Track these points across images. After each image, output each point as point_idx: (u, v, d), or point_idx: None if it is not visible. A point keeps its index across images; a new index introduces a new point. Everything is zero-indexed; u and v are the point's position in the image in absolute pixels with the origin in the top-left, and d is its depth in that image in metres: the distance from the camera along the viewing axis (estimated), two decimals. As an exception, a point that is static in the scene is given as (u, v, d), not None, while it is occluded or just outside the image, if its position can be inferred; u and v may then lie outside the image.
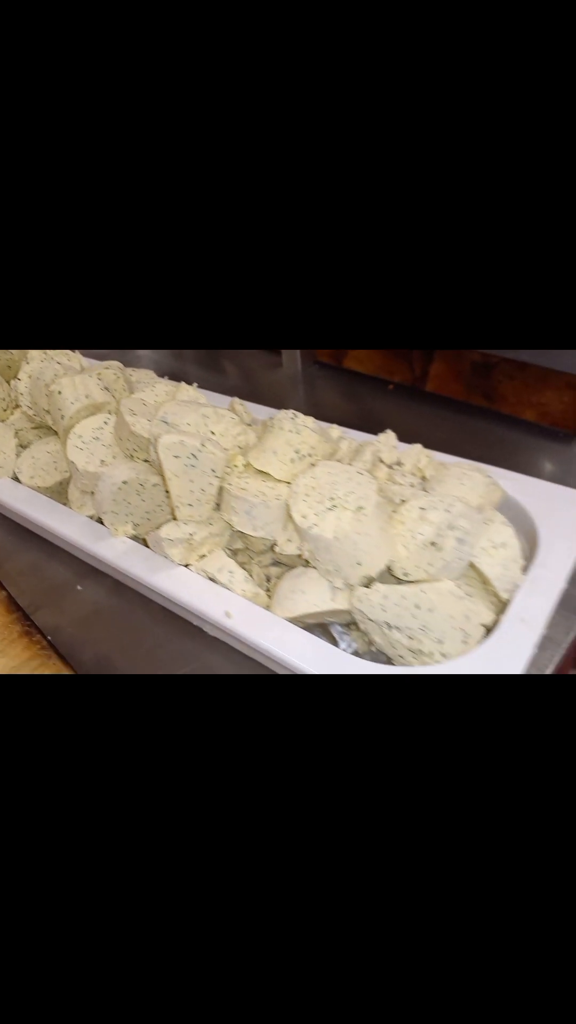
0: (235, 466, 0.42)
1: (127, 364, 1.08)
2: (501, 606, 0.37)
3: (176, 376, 1.01)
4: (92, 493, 0.49)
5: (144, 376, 0.60)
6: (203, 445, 0.39)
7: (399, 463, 0.47)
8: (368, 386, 0.92)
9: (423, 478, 0.46)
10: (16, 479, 0.55)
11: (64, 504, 0.51)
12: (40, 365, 0.54)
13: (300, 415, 0.46)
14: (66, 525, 0.48)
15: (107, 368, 0.54)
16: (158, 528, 0.47)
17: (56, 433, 0.57)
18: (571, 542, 0.40)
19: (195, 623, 0.49)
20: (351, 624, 0.40)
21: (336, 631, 0.40)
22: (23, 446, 0.57)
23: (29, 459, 0.54)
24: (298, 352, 0.93)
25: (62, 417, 0.49)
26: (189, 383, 0.61)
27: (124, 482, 0.43)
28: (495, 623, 0.35)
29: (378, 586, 0.35)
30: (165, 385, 0.55)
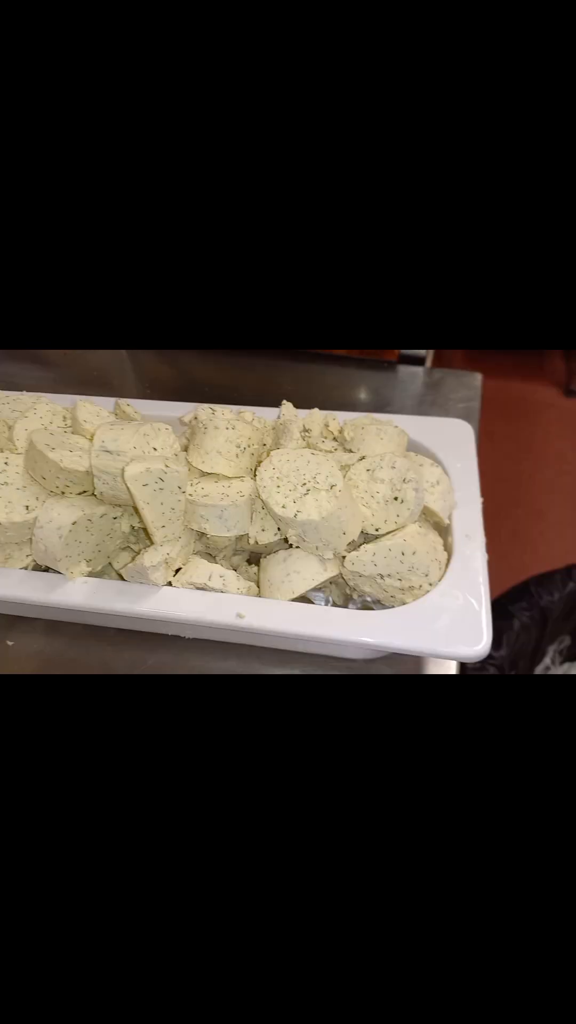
0: (188, 471, 0.42)
1: None
2: (443, 528, 0.46)
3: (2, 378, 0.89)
4: (19, 544, 0.44)
5: (3, 397, 0.53)
6: (167, 466, 0.39)
7: (306, 430, 0.51)
8: (188, 352, 0.93)
9: (334, 438, 0.52)
10: None
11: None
12: None
13: (221, 408, 0.47)
14: (3, 586, 0.43)
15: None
16: (110, 557, 0.46)
17: None
18: (468, 462, 0.50)
19: (171, 632, 0.50)
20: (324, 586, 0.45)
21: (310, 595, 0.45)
22: None
23: None
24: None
25: (-45, 470, 0.42)
26: (8, 383, 0.56)
27: (74, 523, 0.41)
28: (448, 543, 0.44)
29: (366, 547, 0.41)
30: (46, 405, 0.50)
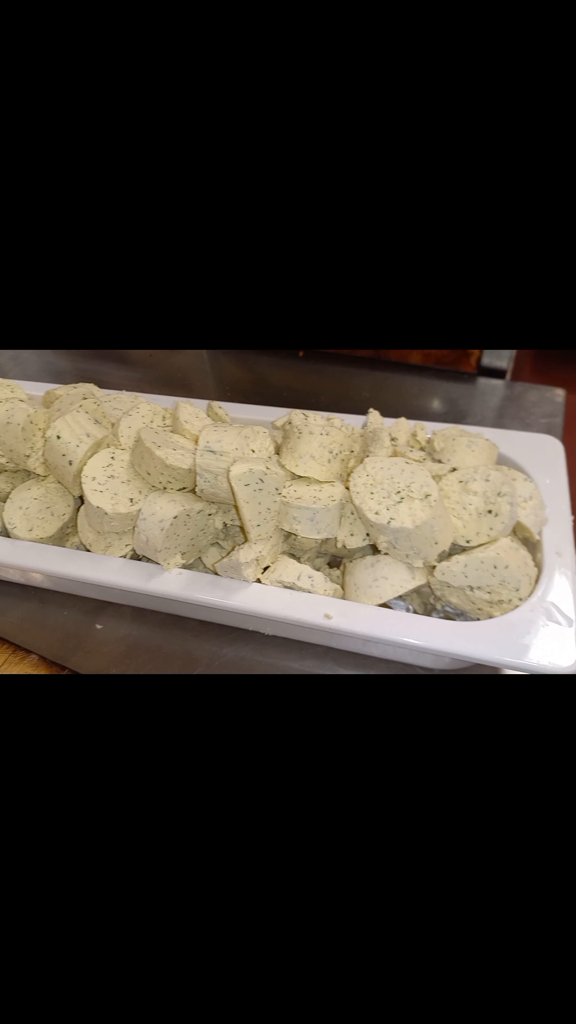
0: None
1: (8, 367, 0.98)
2: (533, 544, 0.45)
3: (82, 374, 0.94)
4: (119, 534, 0.47)
5: (105, 396, 0.56)
6: (267, 468, 0.40)
7: (393, 438, 0.52)
8: (268, 356, 0.95)
9: (421, 448, 0.52)
10: (5, 534, 0.50)
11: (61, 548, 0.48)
12: (3, 407, 0.49)
13: (313, 414, 0.49)
14: (106, 573, 0.46)
15: (85, 398, 0.50)
16: (201, 551, 0.48)
17: (33, 475, 0.52)
18: (558, 478, 0.50)
19: (251, 627, 0.52)
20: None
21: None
22: (2, 500, 0.51)
23: (17, 511, 0.50)
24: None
25: (69, 463, 0.46)
26: (96, 381, 0.59)
27: (175, 517, 0.43)
28: (537, 559, 0.44)
29: (457, 558, 0.41)
30: (147, 404, 0.53)
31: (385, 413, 0.56)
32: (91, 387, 0.58)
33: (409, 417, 0.57)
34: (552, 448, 0.52)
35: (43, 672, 0.50)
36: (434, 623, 0.40)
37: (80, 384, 0.59)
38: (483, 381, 0.85)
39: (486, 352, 0.86)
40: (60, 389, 0.58)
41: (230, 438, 0.42)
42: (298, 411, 0.49)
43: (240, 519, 0.42)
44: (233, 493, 0.40)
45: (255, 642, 0.52)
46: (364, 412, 0.60)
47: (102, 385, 0.62)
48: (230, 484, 0.40)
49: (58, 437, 0.46)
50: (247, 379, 0.91)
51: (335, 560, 0.50)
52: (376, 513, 0.41)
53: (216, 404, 0.57)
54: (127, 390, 0.62)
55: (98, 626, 0.56)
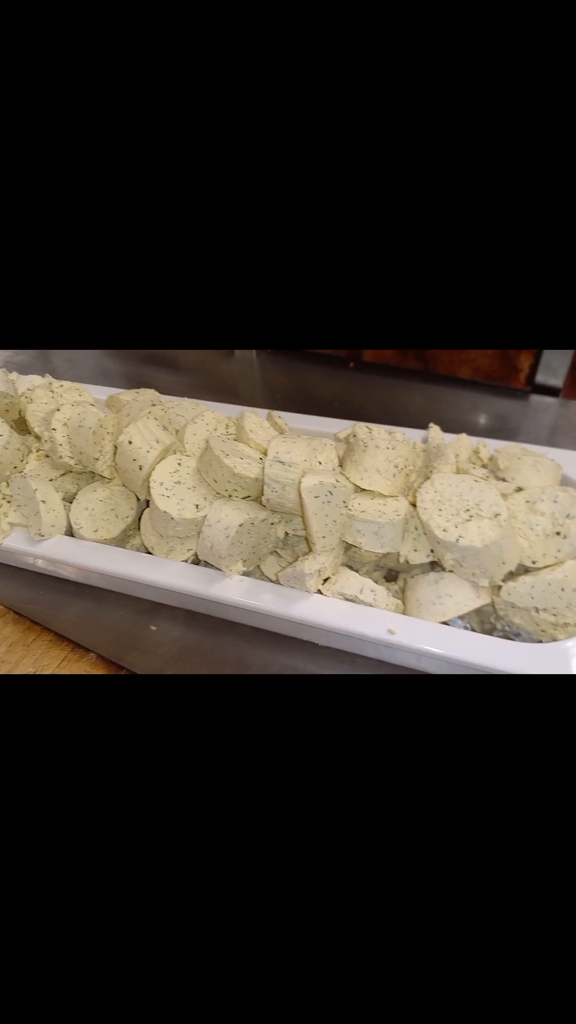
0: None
1: (63, 369, 1.00)
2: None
3: (134, 378, 0.96)
4: (182, 539, 0.48)
5: (169, 402, 0.58)
6: (337, 481, 0.41)
7: (456, 455, 0.52)
8: (320, 366, 0.95)
9: (483, 465, 0.52)
10: (69, 534, 0.51)
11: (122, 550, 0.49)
12: (75, 411, 0.50)
13: (376, 427, 0.49)
14: (169, 576, 0.47)
15: (154, 404, 0.51)
16: (260, 559, 0.49)
17: (98, 477, 0.54)
18: (624, 503, 0.49)
19: (306, 636, 0.52)
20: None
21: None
22: (67, 500, 0.53)
23: (84, 512, 0.51)
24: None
25: (139, 468, 0.47)
26: (147, 385, 0.60)
27: (240, 525, 0.44)
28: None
29: (524, 579, 0.41)
30: (211, 412, 0.54)
31: (444, 429, 0.56)
32: (154, 393, 0.59)
33: (460, 432, 0.57)
34: (617, 470, 0.52)
35: (101, 671, 0.51)
36: (500, 644, 0.40)
37: (142, 390, 0.60)
38: (536, 398, 0.84)
39: (539, 369, 0.85)
40: (124, 394, 0.60)
41: (299, 450, 0.42)
42: (362, 424, 0.50)
43: (306, 530, 0.43)
44: (302, 504, 0.41)
45: (308, 652, 0.53)
46: (415, 425, 0.60)
47: (157, 391, 0.63)
48: (300, 495, 0.40)
49: (130, 442, 0.47)
50: (296, 388, 0.92)
51: (391, 574, 0.50)
52: (444, 530, 0.41)
53: (276, 414, 0.57)
54: (177, 395, 0.63)
55: (152, 627, 0.57)
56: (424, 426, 0.58)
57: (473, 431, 0.79)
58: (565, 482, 0.51)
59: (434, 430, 0.54)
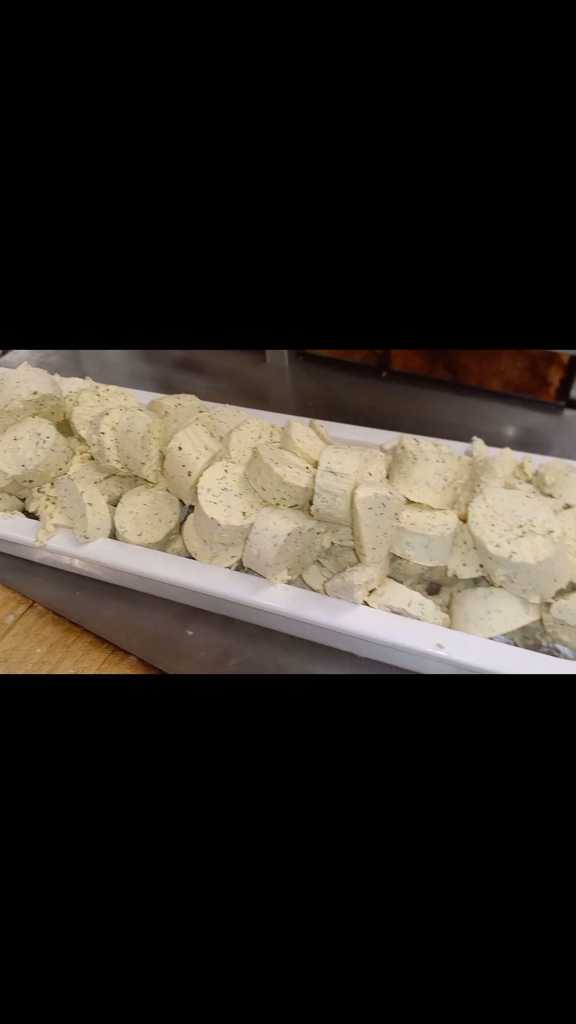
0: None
1: (95, 371, 1.01)
2: None
3: (165, 382, 0.97)
4: (226, 545, 0.48)
5: (209, 408, 0.58)
6: (390, 493, 0.41)
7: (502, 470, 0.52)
8: (351, 375, 0.95)
9: (528, 480, 0.52)
10: (113, 536, 0.52)
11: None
12: (124, 415, 0.51)
13: (423, 439, 0.49)
14: (214, 582, 0.47)
15: (201, 411, 0.52)
16: (303, 569, 0.49)
17: (141, 481, 0.54)
18: None
19: (343, 646, 0.52)
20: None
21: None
22: (110, 503, 0.53)
23: (128, 515, 0.51)
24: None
25: (188, 474, 0.47)
26: (178, 390, 0.60)
27: (288, 534, 0.44)
28: None
29: (575, 596, 0.40)
30: (255, 420, 0.54)
31: (469, 439, 0.56)
32: (195, 398, 0.60)
33: (492, 445, 0.56)
34: None
35: (141, 674, 0.51)
36: (551, 662, 0.40)
37: (183, 395, 0.60)
38: (569, 413, 0.84)
39: (574, 383, 0.84)
40: (166, 399, 0.60)
41: (351, 460, 0.43)
42: (409, 436, 0.50)
43: (357, 541, 0.43)
44: (354, 515, 0.41)
45: (345, 661, 0.53)
46: (446, 437, 0.59)
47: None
48: (353, 506, 0.40)
49: (179, 448, 0.47)
50: (327, 396, 0.92)
51: (432, 587, 0.50)
52: (497, 546, 0.40)
53: (317, 423, 0.57)
54: (207, 400, 0.63)
55: (189, 632, 0.57)
56: (455, 437, 0.57)
57: (505, 444, 0.79)
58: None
59: (478, 443, 0.54)
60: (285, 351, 0.93)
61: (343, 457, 0.43)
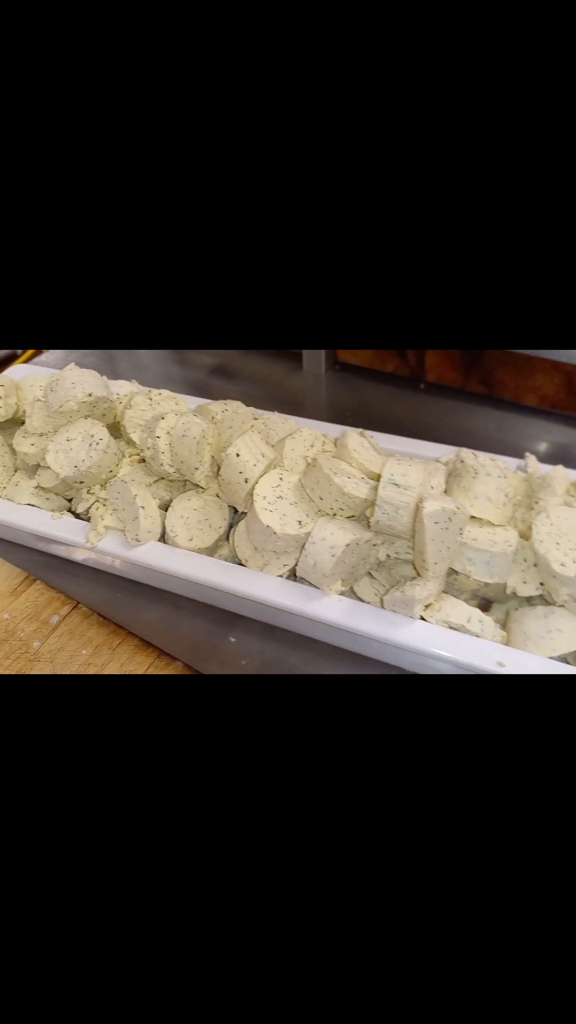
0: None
1: (130, 375, 1.01)
2: None
3: (200, 386, 0.97)
4: (278, 553, 0.48)
5: (256, 416, 0.58)
6: (457, 508, 0.40)
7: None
8: (386, 385, 0.95)
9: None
10: (163, 539, 0.52)
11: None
12: (180, 420, 0.51)
13: (483, 454, 0.49)
14: (267, 591, 0.47)
15: (256, 418, 0.52)
16: (357, 580, 0.48)
17: (190, 486, 0.54)
18: None
19: (388, 659, 0.51)
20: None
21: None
22: (160, 507, 0.53)
23: (179, 520, 0.51)
24: (323, 354, 0.93)
25: (245, 481, 0.47)
26: (214, 394, 0.60)
27: (347, 544, 0.43)
28: None
29: None
30: (307, 429, 0.54)
31: (513, 455, 0.56)
32: (241, 404, 0.60)
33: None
34: None
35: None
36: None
37: (229, 401, 0.60)
38: (608, 430, 0.83)
39: (617, 401, 0.83)
40: (213, 405, 0.60)
41: (415, 473, 0.42)
42: (467, 450, 0.49)
43: (419, 555, 0.42)
44: (420, 529, 0.40)
45: (392, 673, 0.52)
46: (489, 451, 0.59)
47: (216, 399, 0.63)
48: (419, 520, 0.40)
49: (237, 455, 0.47)
50: (362, 406, 0.92)
51: (484, 603, 0.50)
52: (562, 564, 0.40)
53: (368, 434, 0.57)
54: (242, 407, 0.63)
55: (232, 639, 0.57)
56: (496, 452, 0.57)
57: (543, 460, 0.78)
58: None
59: (531, 460, 0.53)
60: (323, 359, 0.93)
61: (407, 469, 0.42)
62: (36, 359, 0.99)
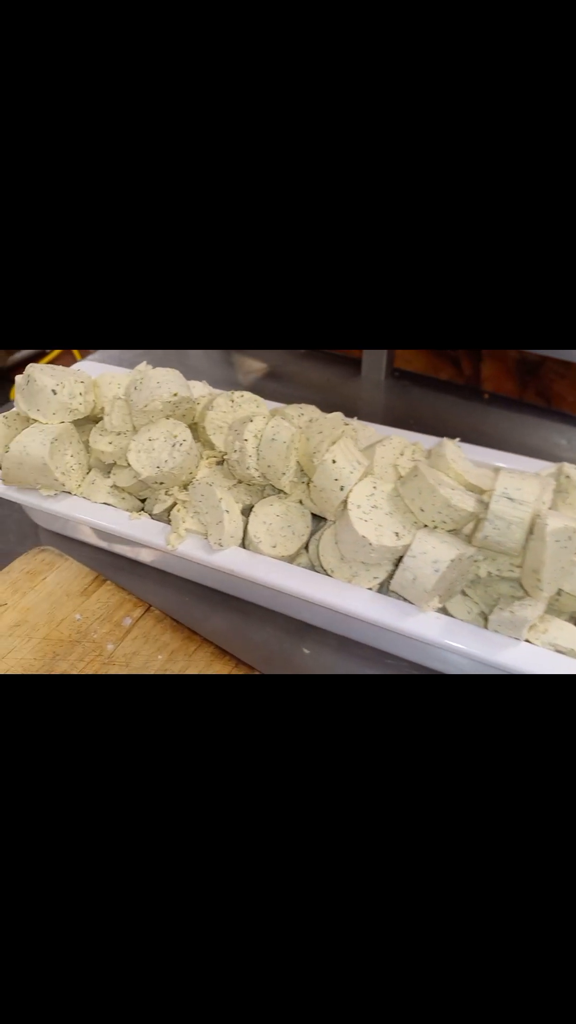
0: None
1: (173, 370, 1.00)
2: None
3: (256, 389, 0.96)
4: (367, 565, 0.46)
5: (336, 422, 0.56)
6: (577, 526, 0.38)
7: None
8: (448, 394, 0.93)
9: None
10: (243, 545, 0.50)
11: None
12: (269, 423, 0.49)
13: (584, 470, 0.47)
14: (358, 604, 0.45)
15: (347, 423, 0.50)
16: (452, 597, 0.46)
17: (278, 490, 0.52)
18: None
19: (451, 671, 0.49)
20: None
21: None
22: (242, 512, 0.52)
23: (261, 525, 0.50)
24: (383, 360, 0.92)
25: (340, 488, 0.45)
26: (269, 398, 0.59)
27: (452, 560, 0.41)
28: None
29: None
30: (398, 437, 0.52)
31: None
32: (314, 408, 0.58)
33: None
34: None
35: (261, 691, 0.49)
36: None
37: (304, 404, 0.59)
38: None
39: None
40: (288, 409, 0.58)
41: (530, 487, 0.40)
42: (568, 464, 0.47)
43: (532, 573, 0.40)
44: (539, 547, 0.38)
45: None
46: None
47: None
48: (542, 537, 0.38)
49: (333, 462, 0.45)
50: (423, 414, 0.90)
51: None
52: None
53: (454, 443, 0.55)
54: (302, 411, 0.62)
55: (305, 650, 0.55)
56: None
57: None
58: None
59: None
60: (383, 364, 0.91)
61: (522, 483, 0.40)
62: (90, 357, 0.98)
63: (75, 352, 1.42)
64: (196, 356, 1.05)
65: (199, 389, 0.62)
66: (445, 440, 0.50)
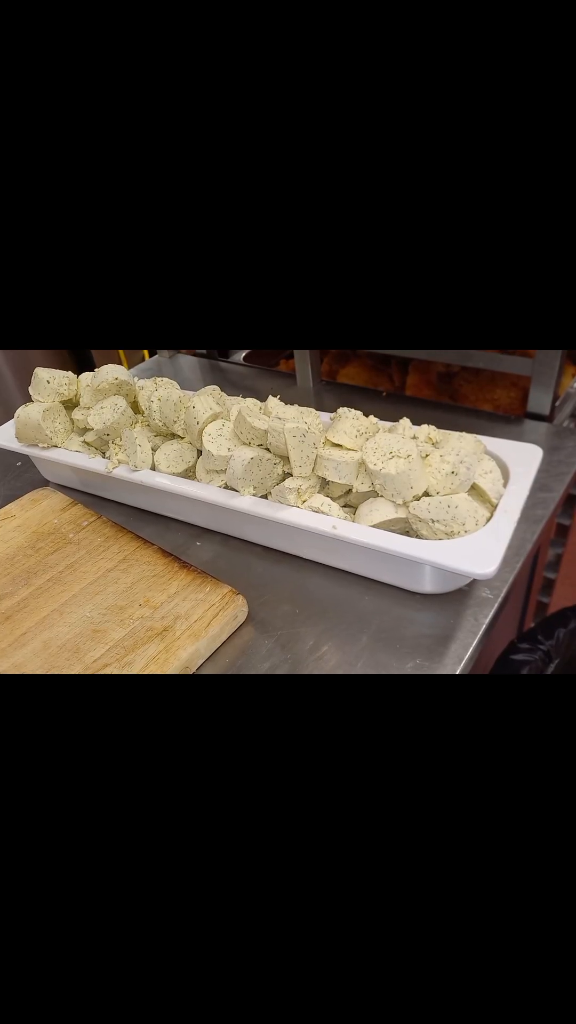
0: (324, 443, 0.68)
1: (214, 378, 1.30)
2: (492, 508, 0.64)
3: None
4: (219, 471, 0.74)
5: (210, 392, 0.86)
6: (309, 428, 0.65)
7: (415, 436, 0.74)
8: (360, 395, 1.18)
9: (433, 442, 0.73)
10: (153, 469, 0.80)
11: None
12: (165, 392, 0.80)
13: (353, 410, 0.73)
14: (209, 492, 0.73)
15: (211, 393, 0.80)
16: (268, 489, 0.73)
17: (177, 437, 0.82)
18: (528, 468, 0.68)
19: (286, 548, 0.75)
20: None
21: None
22: (153, 449, 0.82)
23: (162, 455, 0.79)
24: (309, 371, 1.20)
25: (196, 423, 0.74)
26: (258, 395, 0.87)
27: (250, 459, 0.69)
28: (490, 516, 0.63)
29: (424, 499, 0.62)
30: (251, 400, 0.81)
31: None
32: (215, 388, 0.87)
33: None
34: (533, 453, 0.71)
35: (160, 560, 0.77)
36: (404, 539, 0.61)
37: (308, 410, 0.89)
38: (528, 423, 1.02)
39: None
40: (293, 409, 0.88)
41: (291, 412, 0.67)
42: (344, 407, 0.73)
43: (291, 461, 0.67)
44: (286, 441, 0.65)
45: (294, 564, 0.75)
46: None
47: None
48: (286, 437, 0.65)
49: (193, 407, 0.75)
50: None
51: (347, 503, 0.72)
52: (374, 464, 0.63)
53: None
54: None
55: (197, 543, 0.83)
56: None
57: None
58: (489, 456, 0.71)
59: (404, 422, 0.76)
60: (308, 372, 1.19)
61: (286, 410, 0.68)
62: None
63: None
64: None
65: (206, 395, 0.94)
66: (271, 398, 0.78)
